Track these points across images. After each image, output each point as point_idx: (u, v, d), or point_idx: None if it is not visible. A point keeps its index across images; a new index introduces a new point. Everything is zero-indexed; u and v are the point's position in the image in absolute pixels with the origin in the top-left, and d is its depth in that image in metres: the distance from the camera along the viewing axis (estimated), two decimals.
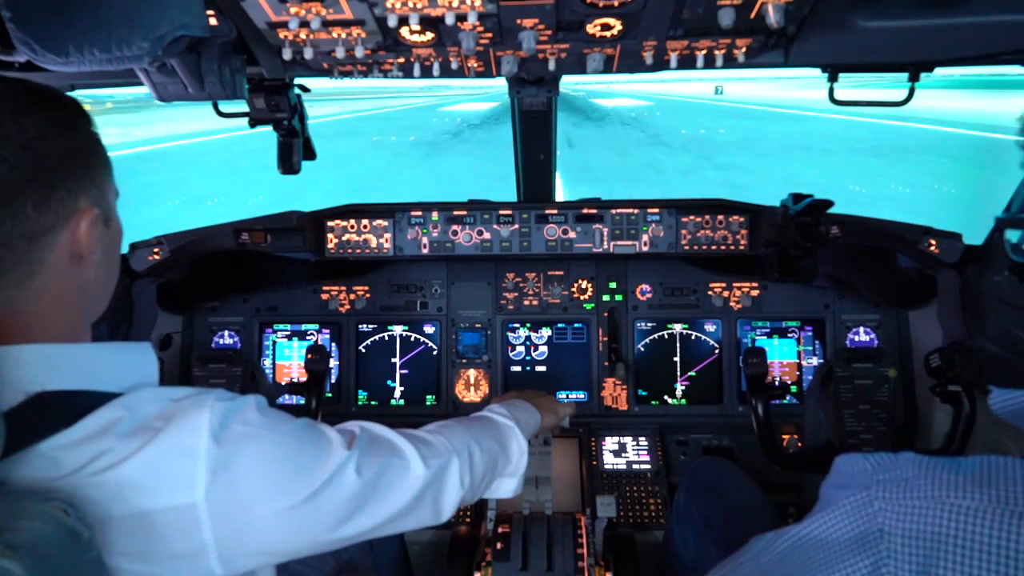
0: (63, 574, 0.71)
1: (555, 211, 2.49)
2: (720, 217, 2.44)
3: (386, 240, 2.50)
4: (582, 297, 2.68)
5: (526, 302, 2.69)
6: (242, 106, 1.85)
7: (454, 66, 1.46)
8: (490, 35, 1.31)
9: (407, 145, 25.05)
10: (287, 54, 1.38)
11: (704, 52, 1.41)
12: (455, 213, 2.49)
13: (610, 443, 2.55)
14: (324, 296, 2.69)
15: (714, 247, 2.45)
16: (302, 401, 2.15)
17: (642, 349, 2.66)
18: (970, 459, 0.77)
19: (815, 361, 2.62)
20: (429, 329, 2.69)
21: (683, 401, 2.63)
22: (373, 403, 2.67)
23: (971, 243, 2.16)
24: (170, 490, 0.85)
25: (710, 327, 2.65)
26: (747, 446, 2.54)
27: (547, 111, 2.37)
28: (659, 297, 2.66)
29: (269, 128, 1.95)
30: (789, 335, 2.63)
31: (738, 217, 2.44)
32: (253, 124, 1.90)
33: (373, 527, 1.08)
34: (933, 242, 2.16)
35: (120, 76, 1.52)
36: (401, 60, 1.46)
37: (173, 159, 21.62)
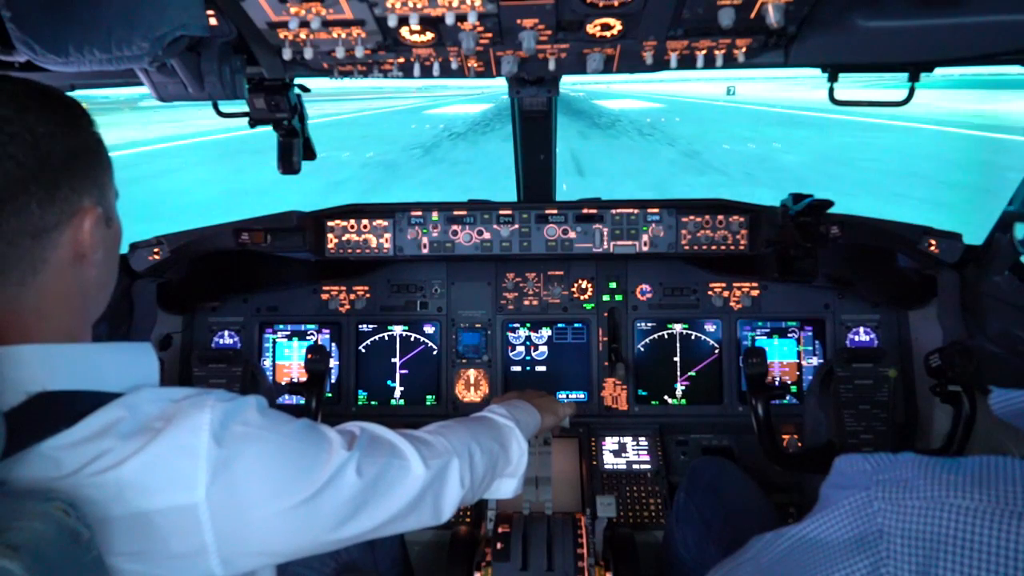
0: (63, 574, 0.71)
1: (555, 211, 2.49)
2: (720, 217, 2.44)
3: (386, 240, 2.50)
4: (582, 297, 2.68)
5: (526, 302, 2.68)
6: (242, 106, 1.85)
7: (454, 66, 1.46)
8: (490, 35, 1.31)
9: (356, 167, 19.05)
10: (287, 54, 1.38)
11: (704, 52, 1.41)
12: (455, 213, 2.49)
13: (610, 443, 2.55)
14: (324, 296, 2.69)
15: (714, 247, 2.45)
16: (302, 401, 2.15)
17: (642, 349, 2.66)
18: (970, 459, 0.77)
19: (815, 361, 2.62)
20: (429, 329, 2.69)
21: (683, 401, 2.63)
22: (373, 403, 2.67)
23: (971, 243, 2.16)
24: (171, 490, 0.85)
25: (710, 327, 2.65)
26: (747, 446, 2.54)
27: (547, 111, 2.37)
28: (659, 297, 2.66)
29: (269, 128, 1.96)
30: (789, 335, 2.63)
31: (738, 217, 2.44)
32: (253, 124, 1.90)
33: (373, 528, 1.08)
34: (933, 242, 2.16)
35: (120, 76, 1.52)
36: (401, 60, 1.46)
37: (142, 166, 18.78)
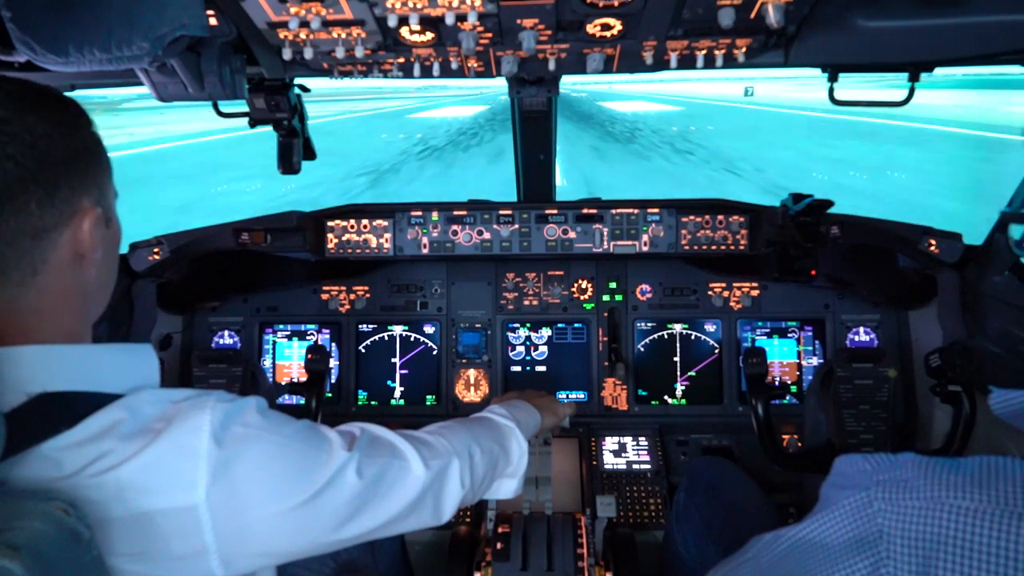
0: (63, 574, 0.71)
1: (555, 211, 2.49)
2: (720, 217, 2.44)
3: (386, 240, 2.50)
4: (582, 297, 2.68)
5: (526, 302, 2.68)
6: (242, 106, 1.85)
7: (454, 66, 1.46)
8: (490, 35, 1.31)
9: (256, 208, 11.12)
10: (287, 54, 1.38)
11: (704, 52, 1.41)
12: (455, 213, 2.49)
13: (610, 443, 2.55)
14: (324, 296, 2.69)
15: (714, 247, 2.45)
16: (302, 401, 2.15)
17: (642, 349, 2.66)
18: (970, 460, 0.77)
19: (815, 361, 2.62)
20: (429, 329, 2.69)
21: (683, 401, 2.63)
22: (373, 403, 2.67)
23: (971, 243, 2.16)
24: (171, 491, 0.85)
25: (710, 327, 2.65)
26: (747, 446, 2.54)
27: (547, 111, 2.37)
28: (659, 297, 2.66)
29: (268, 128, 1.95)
30: (789, 335, 2.63)
31: (738, 217, 2.44)
32: (253, 124, 1.90)
33: (374, 528, 1.08)
34: (933, 242, 2.16)
35: (120, 76, 1.52)
36: (401, 60, 1.46)
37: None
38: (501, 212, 2.49)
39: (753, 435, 2.06)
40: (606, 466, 2.50)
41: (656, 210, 2.47)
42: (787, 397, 2.59)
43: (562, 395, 2.66)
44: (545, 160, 2.60)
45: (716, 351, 2.64)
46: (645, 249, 2.48)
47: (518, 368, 2.69)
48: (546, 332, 2.69)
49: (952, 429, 1.94)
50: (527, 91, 1.83)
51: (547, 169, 2.64)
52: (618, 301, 2.67)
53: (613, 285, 2.68)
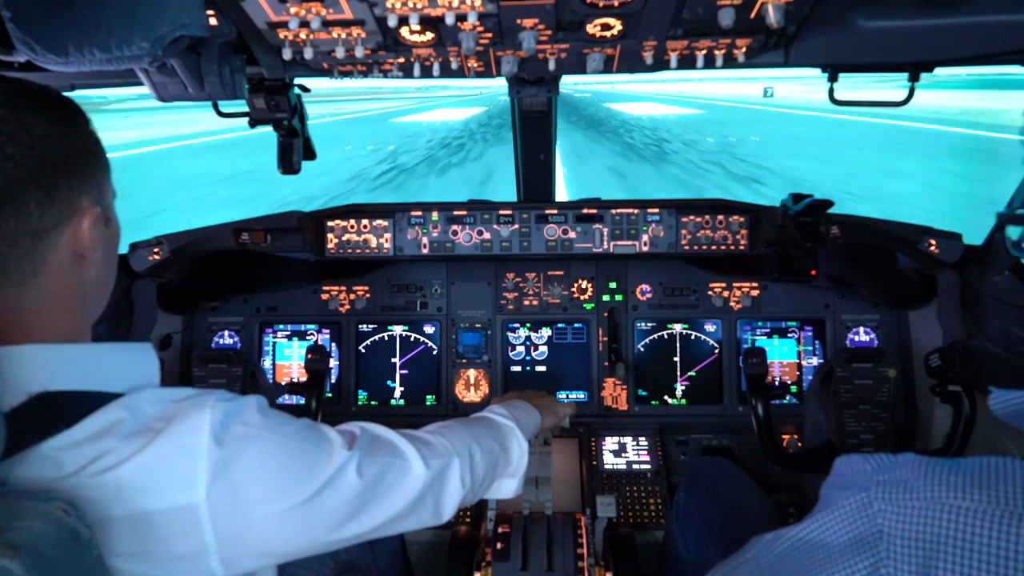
0: (63, 574, 0.71)
1: (555, 211, 2.49)
2: (720, 217, 2.44)
3: (386, 240, 2.50)
4: (582, 297, 2.68)
5: (526, 302, 2.68)
6: (242, 106, 1.85)
7: (454, 66, 1.46)
8: (490, 35, 1.31)
9: None
10: (287, 54, 1.38)
11: (704, 52, 1.41)
12: (455, 213, 2.49)
13: (610, 443, 2.55)
14: (324, 296, 2.69)
15: (714, 247, 2.45)
16: (302, 401, 2.15)
17: (642, 349, 2.66)
18: (970, 460, 0.77)
19: (815, 361, 2.62)
20: (429, 329, 2.69)
21: (683, 401, 2.63)
22: (373, 403, 2.67)
23: (971, 243, 2.16)
24: (171, 491, 0.85)
25: (710, 327, 2.65)
26: (747, 446, 2.54)
27: (547, 111, 2.37)
28: (659, 297, 2.66)
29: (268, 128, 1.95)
30: (789, 335, 2.63)
31: (738, 217, 2.44)
32: (253, 124, 1.90)
33: (374, 528, 1.08)
34: (933, 242, 2.16)
35: (120, 76, 1.52)
36: (401, 60, 1.46)
37: None
38: (501, 212, 2.49)
39: (753, 435, 2.06)
40: (606, 466, 2.50)
41: (656, 210, 2.47)
42: (787, 397, 2.59)
43: (562, 395, 2.66)
44: (545, 160, 2.60)
45: (716, 351, 2.64)
46: (645, 249, 2.48)
47: (518, 368, 2.69)
48: (546, 332, 2.69)
49: (952, 429, 1.94)
50: (527, 91, 1.83)
51: (547, 169, 2.64)
52: (618, 301, 2.67)
53: (613, 285, 2.68)
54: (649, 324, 2.67)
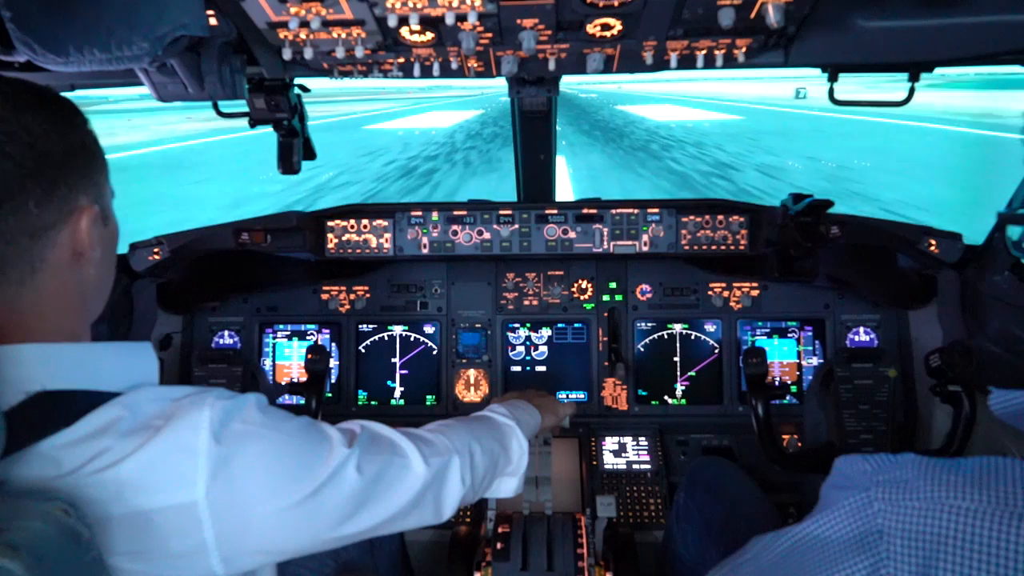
0: (63, 574, 0.71)
1: (555, 211, 2.49)
2: (720, 217, 2.44)
3: (386, 240, 2.50)
4: (582, 297, 2.68)
5: (526, 302, 2.69)
6: (242, 106, 1.85)
7: (454, 66, 1.46)
8: (490, 35, 1.31)
9: None
10: (287, 54, 1.38)
11: (704, 52, 1.41)
12: (455, 213, 2.49)
13: (610, 443, 2.55)
14: (324, 296, 2.69)
15: (714, 247, 2.45)
16: (302, 401, 2.15)
17: (642, 349, 2.66)
18: (970, 460, 0.77)
19: (815, 361, 2.62)
20: (429, 329, 2.69)
21: (683, 401, 2.63)
22: (373, 403, 2.67)
23: (971, 243, 2.16)
24: (170, 489, 0.85)
25: (710, 327, 2.65)
26: (747, 446, 2.54)
27: (547, 111, 2.37)
28: (659, 297, 2.66)
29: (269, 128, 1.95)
30: (789, 335, 2.63)
31: (738, 217, 2.44)
32: (253, 124, 1.90)
33: (374, 526, 1.08)
34: (933, 242, 2.15)
35: (120, 76, 1.52)
36: (401, 60, 1.46)
37: None
38: (501, 212, 2.49)
39: (753, 435, 2.06)
40: (606, 466, 2.50)
41: (656, 210, 2.47)
42: (787, 397, 2.59)
43: (562, 395, 2.66)
44: (545, 160, 2.60)
45: (716, 351, 2.64)
46: (645, 249, 2.48)
47: (518, 368, 2.69)
48: (546, 332, 2.69)
49: (952, 429, 1.94)
50: (527, 91, 1.83)
51: (547, 169, 2.64)
52: (618, 301, 2.67)
53: (613, 285, 2.68)
54: (649, 324, 2.67)
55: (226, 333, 2.67)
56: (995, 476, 0.72)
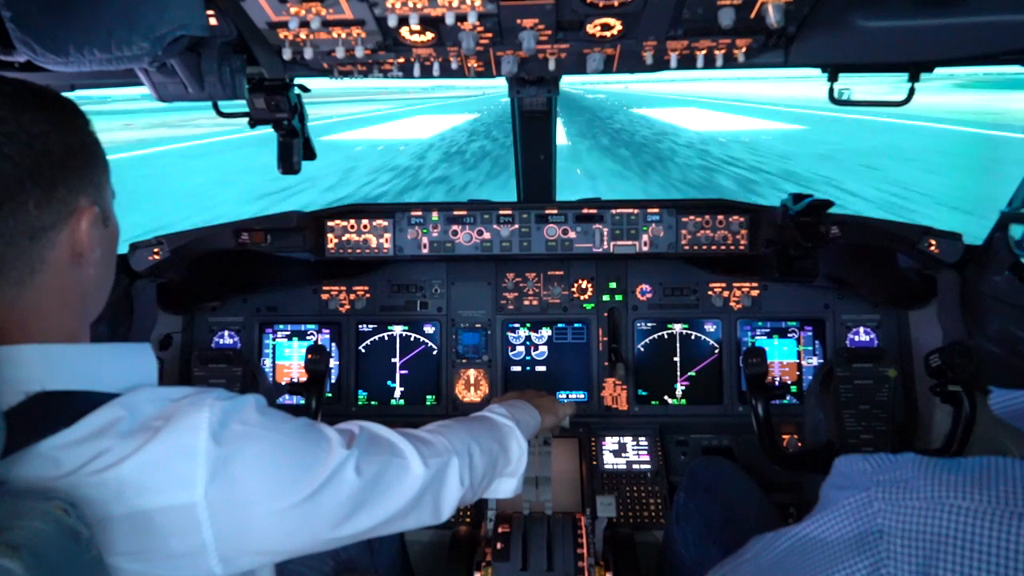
0: (63, 573, 0.71)
1: (555, 211, 2.49)
2: (720, 217, 2.44)
3: (386, 240, 2.50)
4: (582, 297, 2.68)
5: (526, 302, 2.69)
6: (242, 106, 1.85)
7: (454, 66, 1.46)
8: (490, 35, 1.31)
9: None
10: (287, 54, 1.38)
11: (704, 52, 1.41)
12: (455, 213, 2.49)
13: (610, 443, 2.55)
14: (324, 296, 2.69)
15: (714, 247, 2.45)
16: (302, 401, 2.15)
17: (642, 349, 2.66)
18: (970, 460, 0.77)
19: (815, 361, 2.62)
20: (429, 329, 2.69)
21: (683, 401, 2.63)
22: (373, 403, 2.67)
23: (971, 243, 2.16)
24: (169, 489, 0.85)
25: (710, 327, 2.65)
26: (747, 446, 2.54)
27: (547, 111, 2.37)
28: (659, 297, 2.66)
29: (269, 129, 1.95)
30: (789, 335, 2.63)
31: (738, 217, 2.44)
32: (253, 124, 1.90)
33: (373, 526, 1.08)
34: (933, 242, 2.15)
35: (120, 76, 1.52)
36: (401, 60, 1.46)
37: None
38: (501, 212, 2.49)
39: (753, 435, 2.06)
40: (606, 466, 2.50)
41: (656, 210, 2.47)
42: (787, 397, 2.59)
43: (562, 395, 2.66)
44: (545, 160, 2.60)
45: (716, 351, 2.64)
46: (645, 249, 2.48)
47: (518, 368, 2.69)
48: (546, 332, 2.69)
49: (952, 429, 1.94)
50: (527, 91, 1.83)
51: (547, 169, 2.64)
52: (618, 301, 2.67)
53: (613, 285, 2.68)
54: (649, 324, 2.67)
55: (226, 333, 2.67)
56: (995, 476, 0.72)
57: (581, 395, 2.65)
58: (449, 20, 1.19)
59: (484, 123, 29.56)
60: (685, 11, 1.24)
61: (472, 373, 2.66)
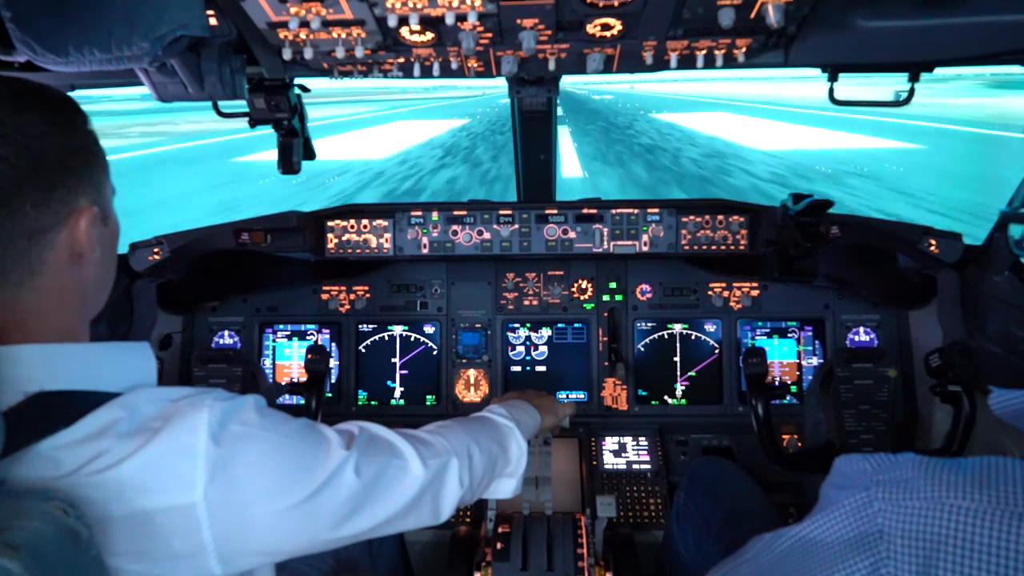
0: (63, 574, 0.71)
1: (555, 211, 2.49)
2: (720, 217, 2.44)
3: (386, 240, 2.50)
4: (582, 297, 2.68)
5: (526, 302, 2.68)
6: (242, 106, 1.85)
7: (454, 66, 1.46)
8: (490, 35, 1.31)
9: None
10: (287, 54, 1.38)
11: (704, 52, 1.41)
12: (455, 213, 2.49)
13: (610, 443, 2.55)
14: (324, 296, 2.69)
15: (714, 247, 2.45)
16: (302, 401, 2.15)
17: (642, 349, 2.66)
18: (970, 460, 0.77)
19: (815, 361, 2.61)
20: (429, 329, 2.69)
21: (683, 401, 2.63)
22: (373, 403, 2.67)
23: (971, 243, 2.16)
24: (169, 490, 0.85)
25: (710, 327, 2.65)
26: (747, 446, 2.54)
27: (547, 111, 2.37)
28: (659, 297, 2.66)
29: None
30: (789, 335, 2.63)
31: (738, 217, 2.44)
32: (253, 124, 1.90)
33: (372, 527, 1.08)
34: (933, 242, 2.15)
35: (120, 76, 1.52)
36: (401, 60, 1.46)
37: None
38: (501, 212, 2.49)
39: (753, 435, 2.06)
40: (606, 466, 2.50)
41: (656, 210, 2.47)
42: (787, 397, 2.59)
43: (562, 395, 2.66)
44: (545, 160, 2.60)
45: (716, 351, 2.64)
46: (645, 249, 2.48)
47: (518, 368, 2.69)
48: (546, 332, 2.69)
49: (952, 429, 1.94)
50: (527, 91, 1.83)
51: (547, 169, 2.64)
52: (618, 301, 2.67)
53: (613, 285, 2.68)
54: (649, 324, 2.67)
55: (226, 333, 2.67)
56: (995, 476, 0.72)
57: (581, 395, 2.65)
58: (449, 20, 1.19)
59: (472, 133, 23.98)
60: (685, 11, 1.24)
61: (472, 373, 2.66)
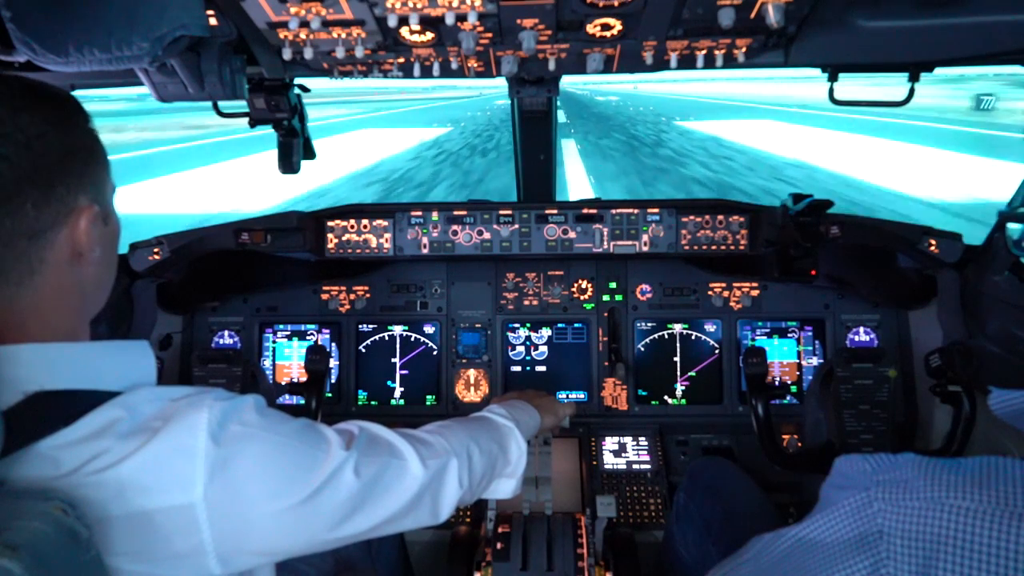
0: (62, 574, 0.71)
1: (555, 211, 2.49)
2: (720, 217, 2.44)
3: (386, 240, 2.50)
4: (582, 297, 2.68)
5: (526, 302, 2.68)
6: (242, 107, 1.85)
7: (454, 66, 1.46)
8: (490, 35, 1.31)
9: None
10: (287, 54, 1.38)
11: (704, 52, 1.41)
12: (455, 213, 2.49)
13: (610, 443, 2.55)
14: (324, 296, 2.69)
15: (714, 247, 2.45)
16: (302, 401, 2.15)
17: (642, 349, 2.66)
18: (970, 460, 0.77)
19: (815, 361, 2.61)
20: (429, 329, 2.69)
21: (683, 401, 2.63)
22: (373, 403, 2.67)
23: (971, 243, 2.16)
24: (168, 490, 0.85)
25: (710, 327, 2.65)
26: (747, 446, 2.54)
27: (547, 111, 2.37)
28: (659, 297, 2.66)
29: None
30: (789, 335, 2.63)
31: (738, 217, 2.44)
32: (253, 124, 1.90)
33: (371, 527, 1.08)
34: (933, 242, 2.16)
35: (120, 76, 1.52)
36: (401, 60, 1.46)
37: None
38: (501, 212, 2.49)
39: (753, 435, 2.06)
40: (606, 466, 2.50)
41: (656, 210, 2.47)
42: (787, 397, 2.59)
43: (562, 395, 2.66)
44: (545, 160, 2.60)
45: (716, 351, 2.64)
46: (645, 249, 2.48)
47: (518, 368, 2.68)
48: (546, 332, 2.69)
49: (952, 429, 1.94)
50: (527, 91, 1.83)
51: (547, 169, 2.64)
52: (618, 301, 2.67)
53: (613, 285, 2.68)
54: (649, 324, 2.67)
55: (226, 333, 2.67)
56: (995, 476, 0.72)
57: (581, 395, 2.65)
58: (449, 20, 1.19)
59: (447, 150, 18.49)
60: (685, 11, 1.24)
61: (472, 373, 2.66)
